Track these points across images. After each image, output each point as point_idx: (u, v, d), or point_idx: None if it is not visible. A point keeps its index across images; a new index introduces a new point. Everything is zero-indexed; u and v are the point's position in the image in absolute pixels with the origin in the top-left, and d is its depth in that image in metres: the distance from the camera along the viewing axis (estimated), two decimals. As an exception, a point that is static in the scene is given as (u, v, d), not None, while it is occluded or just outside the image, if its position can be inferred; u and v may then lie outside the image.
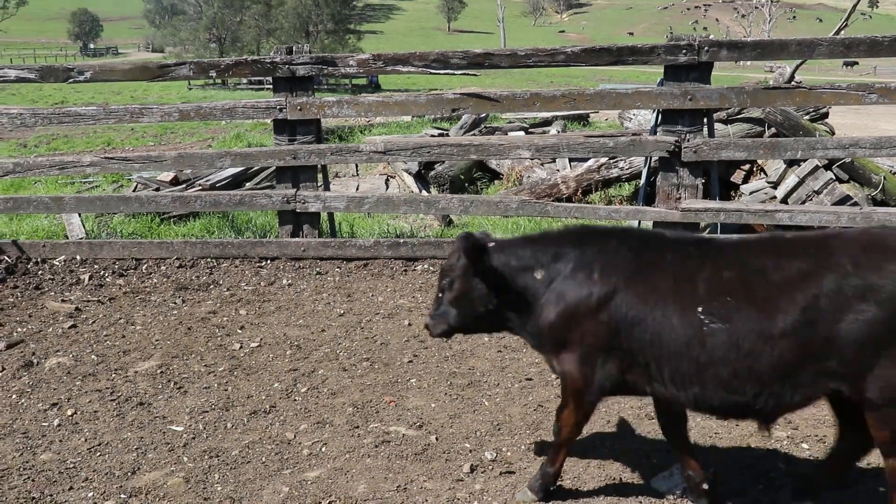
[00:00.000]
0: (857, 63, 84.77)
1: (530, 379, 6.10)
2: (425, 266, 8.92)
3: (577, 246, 4.15)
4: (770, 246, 3.90)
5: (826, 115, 12.03)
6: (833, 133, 11.90)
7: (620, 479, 4.65)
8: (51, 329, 7.33)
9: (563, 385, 4.19)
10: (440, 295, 4.45)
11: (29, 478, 4.72)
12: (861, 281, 3.57)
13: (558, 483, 4.53)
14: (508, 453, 4.98)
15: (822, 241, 3.82)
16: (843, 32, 14.26)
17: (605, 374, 4.03)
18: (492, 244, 4.35)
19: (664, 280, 3.89)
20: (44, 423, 5.43)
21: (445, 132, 16.87)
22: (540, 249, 4.23)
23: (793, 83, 11.19)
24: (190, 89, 48.53)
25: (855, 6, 15.68)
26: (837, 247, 3.71)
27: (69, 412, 5.58)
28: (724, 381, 3.75)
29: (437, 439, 5.16)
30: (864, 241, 3.73)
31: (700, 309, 3.74)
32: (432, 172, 13.25)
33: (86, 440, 5.19)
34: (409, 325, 7.32)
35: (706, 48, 8.44)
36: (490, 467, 4.81)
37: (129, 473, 4.78)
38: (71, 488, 4.62)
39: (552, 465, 4.38)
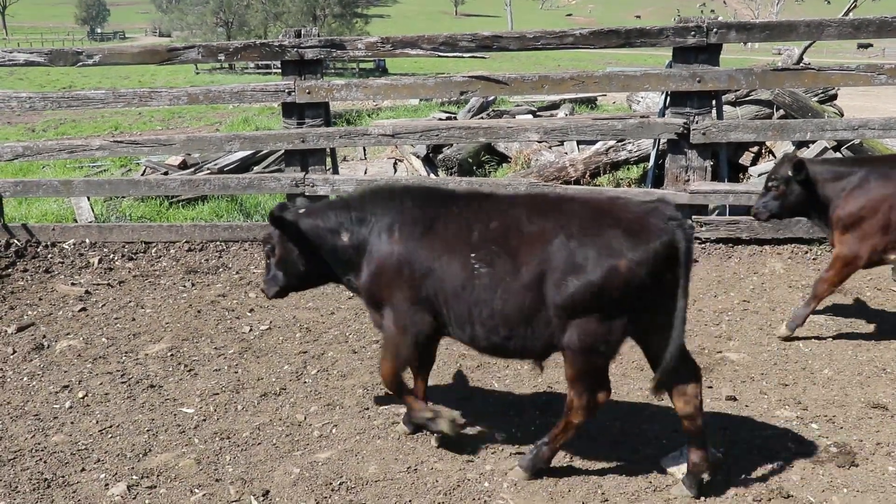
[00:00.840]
0: (871, 45, 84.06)
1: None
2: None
3: (375, 209, 4.59)
4: (531, 202, 4.35)
5: (835, 96, 11.95)
6: (842, 115, 11.83)
7: (631, 458, 4.66)
8: (61, 312, 7.37)
9: (383, 338, 4.66)
10: (267, 261, 4.97)
11: (41, 459, 4.76)
12: (579, 244, 3.97)
13: (569, 464, 4.55)
14: (518, 434, 4.99)
15: (569, 201, 4.27)
16: (851, 13, 14.14)
17: (417, 324, 4.43)
18: (302, 211, 4.81)
19: (447, 232, 4.32)
20: (55, 406, 5.47)
21: (453, 115, 16.80)
22: (343, 214, 4.67)
23: (801, 65, 11.12)
24: (197, 73, 48.47)
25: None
26: (576, 210, 4.14)
27: (80, 394, 5.61)
28: (486, 323, 4.20)
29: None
30: (598, 207, 4.17)
31: (472, 255, 4.18)
32: (440, 156, 13.21)
33: (97, 422, 5.22)
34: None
35: (715, 30, 8.40)
36: (500, 448, 4.82)
37: (141, 455, 4.82)
38: (83, 469, 4.66)
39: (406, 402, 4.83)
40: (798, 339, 6.42)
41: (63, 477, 4.57)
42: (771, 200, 6.44)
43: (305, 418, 5.26)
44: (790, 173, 6.27)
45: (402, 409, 5.29)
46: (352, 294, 7.52)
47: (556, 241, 4.01)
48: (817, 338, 6.47)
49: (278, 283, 4.95)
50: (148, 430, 5.12)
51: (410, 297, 4.38)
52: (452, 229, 4.32)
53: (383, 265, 4.45)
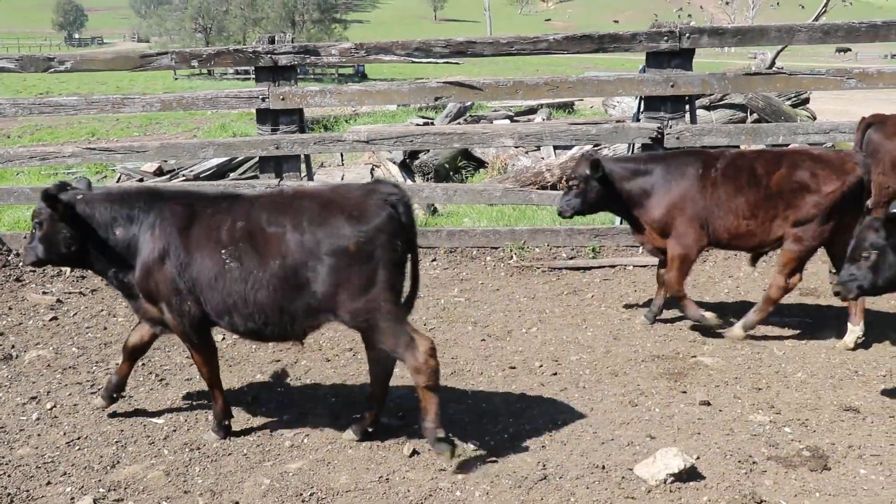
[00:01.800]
0: (849, 49, 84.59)
1: (514, 367, 6.09)
2: (409, 255, 8.89)
3: (144, 208, 4.88)
4: (270, 201, 4.77)
5: (807, 100, 12.06)
6: (815, 118, 11.92)
7: (603, 465, 4.64)
8: (31, 321, 7.27)
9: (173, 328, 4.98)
10: (33, 231, 5.04)
11: (5, 473, 4.67)
12: (312, 236, 4.47)
13: (542, 472, 4.54)
14: (491, 442, 4.97)
15: (301, 198, 4.70)
16: (822, 19, 14.26)
17: (189, 315, 4.78)
18: (79, 196, 4.97)
19: (203, 230, 4.70)
20: (22, 417, 5.38)
21: (431, 121, 16.80)
22: (117, 210, 4.91)
23: (774, 69, 11.19)
24: (176, 79, 48.17)
25: (834, -7, 15.71)
26: (305, 206, 4.59)
27: (48, 406, 5.53)
28: (242, 312, 4.63)
29: (419, 429, 5.14)
30: (324, 199, 4.63)
31: (223, 252, 4.60)
32: (417, 161, 13.20)
33: (65, 434, 5.14)
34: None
35: (687, 35, 8.42)
36: (473, 456, 4.79)
37: (109, 467, 4.75)
38: (48, 483, 4.58)
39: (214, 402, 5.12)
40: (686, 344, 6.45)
41: (27, 491, 4.49)
42: (573, 198, 6.78)
43: (277, 428, 5.21)
44: (588, 172, 6.62)
45: (382, 419, 5.26)
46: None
47: (292, 237, 4.51)
48: (791, 341, 6.49)
49: (37, 254, 5.05)
50: (116, 442, 5.05)
51: (175, 290, 4.73)
52: (206, 228, 4.72)
53: (149, 261, 4.78)
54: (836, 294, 5.22)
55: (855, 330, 6.38)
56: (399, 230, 4.57)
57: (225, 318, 4.73)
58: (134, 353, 5.44)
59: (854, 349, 6.34)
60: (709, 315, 6.55)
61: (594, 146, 11.27)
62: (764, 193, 6.33)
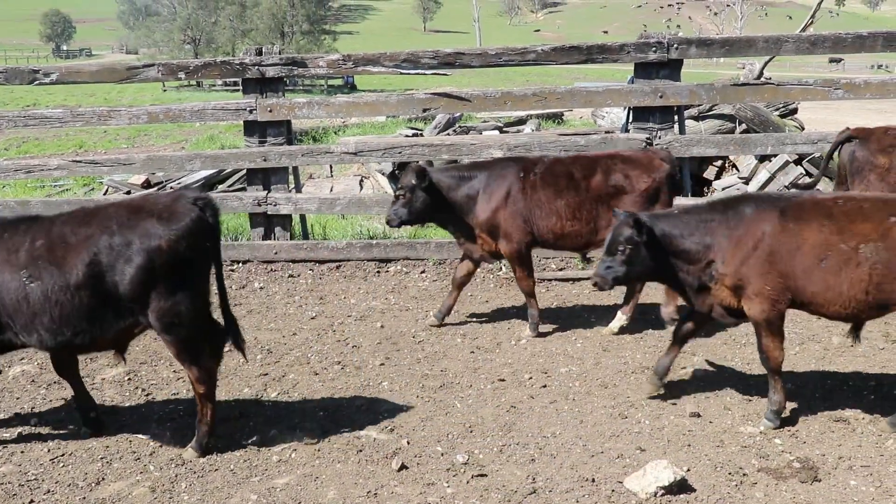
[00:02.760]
0: (842, 59, 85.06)
1: (503, 380, 6.06)
2: (398, 267, 8.87)
3: None
4: (73, 216, 4.85)
5: (795, 110, 12.09)
6: (803, 128, 11.95)
7: (593, 478, 4.62)
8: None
9: None
10: None
11: (-11, 490, 4.62)
12: (123, 238, 4.62)
13: (531, 485, 4.50)
14: (480, 455, 4.93)
15: (105, 208, 4.86)
16: (809, 29, 14.33)
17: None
18: None
19: (2, 253, 4.72)
20: (5, 434, 5.31)
21: (420, 132, 16.79)
22: None
23: (762, 80, 11.22)
24: (164, 91, 48.08)
25: (820, 4, 15.77)
26: (112, 213, 4.76)
27: (33, 421, 5.47)
28: (50, 326, 4.68)
29: (408, 443, 5.11)
30: (132, 205, 4.85)
31: (23, 272, 4.64)
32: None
33: (49, 450, 5.07)
34: (382, 327, 7.26)
35: (675, 45, 8.44)
36: (462, 470, 4.75)
37: (94, 484, 4.69)
38: (31, 501, 4.52)
39: None
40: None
41: (11, 509, 4.44)
42: (400, 208, 6.96)
43: (264, 442, 5.16)
44: (414, 181, 6.84)
45: (364, 433, 5.23)
46: (314, 315, 7.51)
47: (101, 241, 4.63)
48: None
49: None
50: (101, 458, 4.98)
51: None
52: (6, 251, 4.72)
53: None
54: (595, 285, 5.46)
55: (621, 318, 6.98)
56: (207, 233, 4.84)
57: (34, 335, 4.75)
58: None
59: (618, 333, 6.91)
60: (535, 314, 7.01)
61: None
62: (584, 196, 6.75)
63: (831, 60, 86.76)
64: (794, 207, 5.08)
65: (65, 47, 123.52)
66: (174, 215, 4.72)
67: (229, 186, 12.73)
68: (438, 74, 9.47)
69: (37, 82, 9.19)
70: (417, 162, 7.53)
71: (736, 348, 6.55)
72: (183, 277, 4.74)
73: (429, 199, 6.89)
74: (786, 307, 5.11)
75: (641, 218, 5.21)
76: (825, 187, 9.87)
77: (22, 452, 5.06)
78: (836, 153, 7.35)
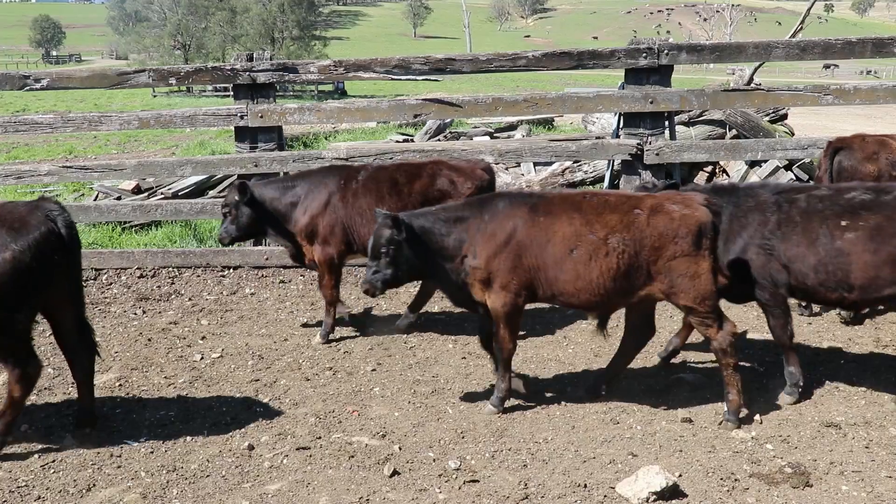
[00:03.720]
0: (837, 66, 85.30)
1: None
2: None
3: None
4: None
5: (785, 116, 12.14)
6: (793, 134, 12.00)
7: (585, 484, 4.62)
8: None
9: None
10: None
11: (-21, 497, 4.60)
12: None
13: (523, 491, 4.50)
14: (472, 461, 4.93)
15: None
16: (799, 35, 14.40)
17: None
18: None
19: None
20: (-4, 440, 5.28)
21: (410, 137, 16.79)
22: None
23: (752, 85, 11.27)
24: (154, 96, 48.00)
25: (809, 10, 15.86)
26: None
27: (23, 428, 5.43)
28: None
29: (400, 449, 5.10)
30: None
31: None
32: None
33: (39, 457, 5.05)
34: (373, 332, 7.25)
35: (666, 51, 8.47)
36: (454, 476, 4.75)
37: (84, 490, 4.67)
38: (23, 507, 4.50)
39: None
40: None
41: (1, 516, 4.42)
42: (229, 225, 7.07)
43: (256, 448, 5.15)
44: (237, 197, 6.94)
45: (356, 438, 5.23)
46: (305, 321, 7.49)
47: None
48: (772, 357, 6.49)
49: None
50: (92, 464, 4.96)
51: None
52: None
53: None
54: (366, 293, 5.55)
55: (410, 316, 7.23)
56: (57, 246, 4.91)
57: None
58: None
59: (406, 332, 7.12)
60: (342, 312, 7.27)
61: (574, 162, 11.29)
62: (407, 201, 6.83)
63: (825, 66, 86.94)
64: (544, 203, 5.31)
65: (55, 53, 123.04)
66: (24, 227, 4.79)
67: (220, 192, 12.70)
68: (429, 80, 9.49)
69: (27, 88, 9.15)
70: (236, 180, 7.66)
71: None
72: (24, 288, 4.78)
73: (254, 213, 6.99)
74: (525, 301, 5.38)
75: (399, 216, 5.33)
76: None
77: (12, 459, 5.03)
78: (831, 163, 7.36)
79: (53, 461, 5.00)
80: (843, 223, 5.39)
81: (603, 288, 5.21)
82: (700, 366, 6.37)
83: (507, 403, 5.70)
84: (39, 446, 5.19)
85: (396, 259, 5.36)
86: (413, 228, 5.32)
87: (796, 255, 5.47)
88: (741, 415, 5.38)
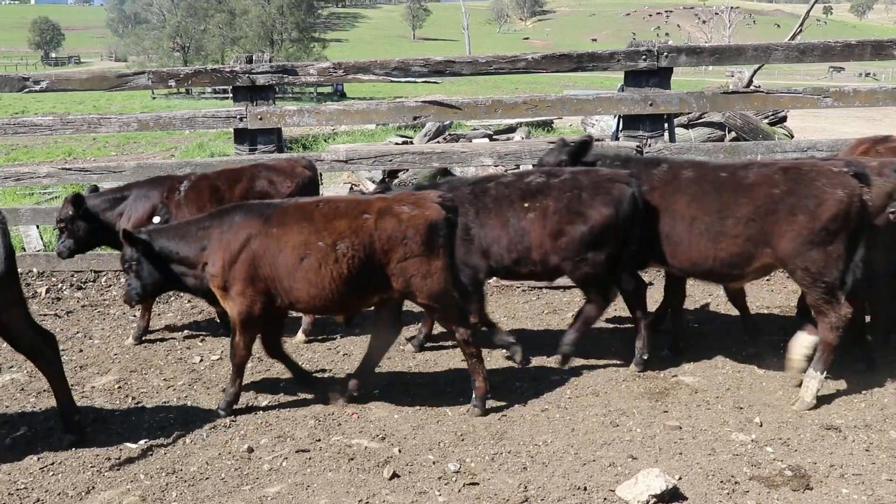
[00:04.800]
0: (843, 69, 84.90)
1: (494, 388, 6.04)
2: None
3: None
4: None
5: (784, 118, 12.15)
6: (792, 136, 12.01)
7: (585, 487, 4.61)
8: (5, 344, 7.14)
9: None
10: None
11: (-22, 500, 4.59)
12: None
13: (523, 494, 4.49)
14: (472, 464, 4.92)
15: None
16: (798, 38, 14.41)
17: None
18: None
19: None
20: (-5, 443, 5.28)
21: (410, 139, 16.80)
22: None
23: (751, 87, 11.27)
24: (153, 98, 48.04)
25: (808, 12, 15.87)
26: None
27: (22, 430, 5.43)
28: None
29: (400, 451, 5.10)
30: None
31: None
32: (396, 180, 13.17)
33: (38, 459, 5.04)
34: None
35: (665, 54, 8.47)
36: (454, 479, 4.74)
37: (84, 493, 4.66)
38: (22, 510, 4.50)
39: None
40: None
41: (0, 518, 4.40)
42: (66, 239, 7.07)
43: (255, 451, 5.14)
44: (71, 212, 6.96)
45: (356, 441, 5.22)
46: (320, 325, 7.47)
47: None
48: (771, 359, 6.48)
49: None
50: (92, 467, 4.96)
51: None
52: None
53: None
54: (126, 302, 5.83)
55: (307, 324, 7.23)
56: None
57: None
58: None
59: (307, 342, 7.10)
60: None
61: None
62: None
63: (831, 68, 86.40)
64: (277, 213, 5.46)
65: (53, 55, 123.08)
66: None
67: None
68: (429, 82, 9.52)
69: (27, 90, 9.15)
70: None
71: (728, 356, 6.55)
72: None
73: (88, 225, 7.02)
74: (262, 309, 5.49)
75: (133, 234, 5.56)
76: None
77: (11, 461, 5.03)
78: None
79: (52, 463, 5.00)
80: (526, 205, 6.10)
81: (337, 294, 5.37)
82: (699, 368, 6.35)
83: (507, 410, 5.69)
84: (38, 449, 5.18)
85: (139, 273, 5.59)
86: (149, 244, 5.53)
87: (493, 239, 6.14)
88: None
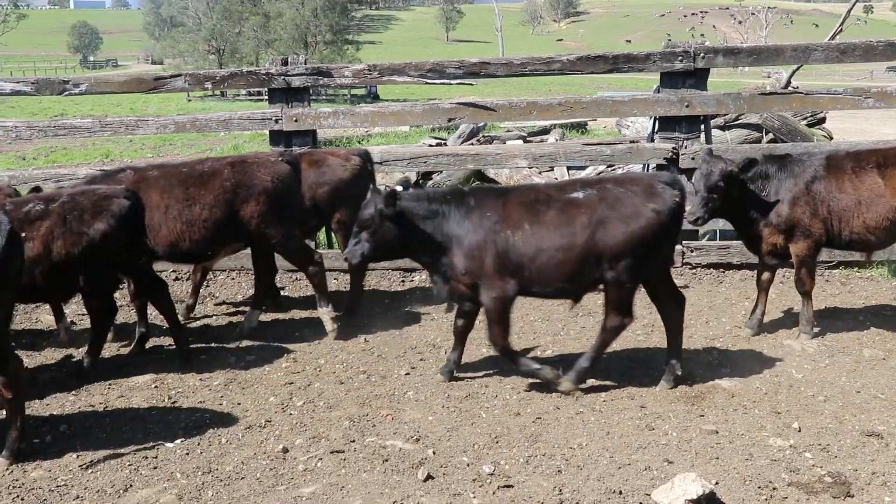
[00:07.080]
0: None
1: (529, 390, 6.03)
2: (423, 277, 8.84)
3: None
4: None
5: (823, 119, 11.98)
6: (831, 138, 11.85)
7: (620, 491, 4.58)
8: (45, 343, 7.26)
9: None
10: None
11: (18, 496, 4.65)
12: None
13: (558, 497, 4.47)
14: (507, 466, 4.90)
15: None
16: (838, 37, 14.21)
17: None
18: None
19: None
20: (35, 440, 5.32)
21: (443, 141, 16.81)
22: None
23: (789, 88, 11.13)
24: (189, 101, 48.47)
25: (849, 11, 15.63)
26: None
27: (62, 428, 5.50)
28: None
29: (434, 453, 5.09)
30: None
31: None
32: (430, 182, 13.19)
33: (78, 457, 5.10)
34: (407, 336, 7.25)
35: (702, 55, 8.40)
36: (488, 481, 4.73)
37: (122, 491, 4.71)
38: (61, 507, 4.55)
39: None
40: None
41: (40, 515, 4.46)
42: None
43: (290, 451, 5.16)
44: None
45: (390, 442, 5.22)
46: (339, 324, 7.49)
47: None
48: (810, 363, 6.40)
49: None
50: (129, 465, 5.00)
51: None
52: None
53: None
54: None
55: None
56: None
57: None
58: None
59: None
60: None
61: (608, 166, 11.22)
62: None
63: (889, 69, 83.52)
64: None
65: (91, 58, 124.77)
66: None
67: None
68: (463, 84, 9.48)
69: (66, 93, 9.29)
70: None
71: (763, 362, 6.47)
72: None
73: None
74: None
75: None
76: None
77: (52, 458, 5.09)
78: None
79: (92, 461, 5.05)
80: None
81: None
82: (737, 372, 6.28)
83: (539, 408, 5.66)
84: (78, 446, 5.24)
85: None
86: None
87: None
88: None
